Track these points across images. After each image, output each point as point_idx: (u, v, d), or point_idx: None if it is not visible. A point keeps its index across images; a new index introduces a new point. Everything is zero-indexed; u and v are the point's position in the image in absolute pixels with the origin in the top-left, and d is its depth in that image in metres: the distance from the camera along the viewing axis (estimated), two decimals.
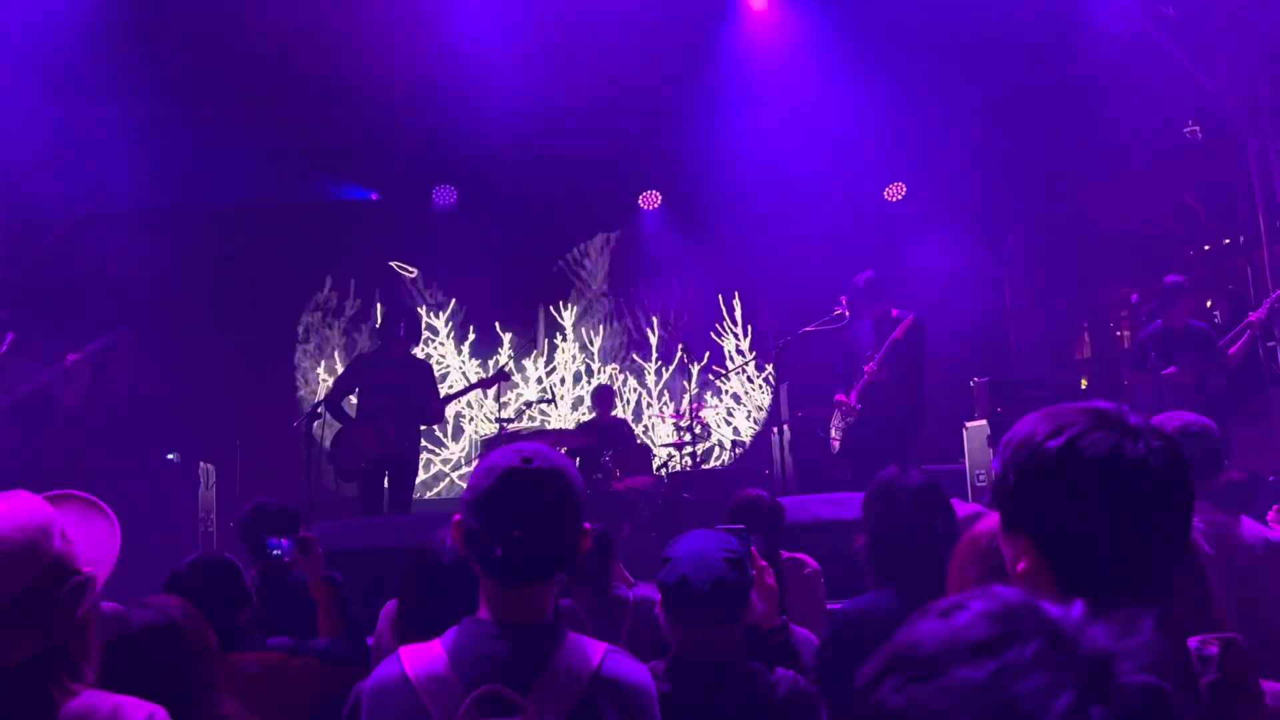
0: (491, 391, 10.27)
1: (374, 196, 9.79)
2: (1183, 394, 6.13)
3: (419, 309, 10.15)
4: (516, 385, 10.49)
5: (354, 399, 6.84)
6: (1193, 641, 1.19)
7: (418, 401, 6.63)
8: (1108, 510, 1.12)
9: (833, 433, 6.77)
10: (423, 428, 6.93)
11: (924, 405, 6.68)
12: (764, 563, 2.44)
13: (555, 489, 1.63)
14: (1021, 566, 1.18)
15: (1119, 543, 1.13)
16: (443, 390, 7.80)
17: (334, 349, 10.09)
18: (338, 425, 6.72)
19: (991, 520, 1.54)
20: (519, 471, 1.62)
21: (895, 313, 6.58)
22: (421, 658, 1.60)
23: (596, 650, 1.65)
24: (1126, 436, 1.14)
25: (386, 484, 6.68)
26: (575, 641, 1.65)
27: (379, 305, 10.08)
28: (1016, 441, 1.21)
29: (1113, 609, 1.12)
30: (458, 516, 1.67)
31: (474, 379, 10.41)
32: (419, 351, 9.87)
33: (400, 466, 6.68)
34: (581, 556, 1.76)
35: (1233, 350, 6.29)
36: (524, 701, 1.52)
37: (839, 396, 6.71)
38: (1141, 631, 0.65)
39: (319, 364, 10.07)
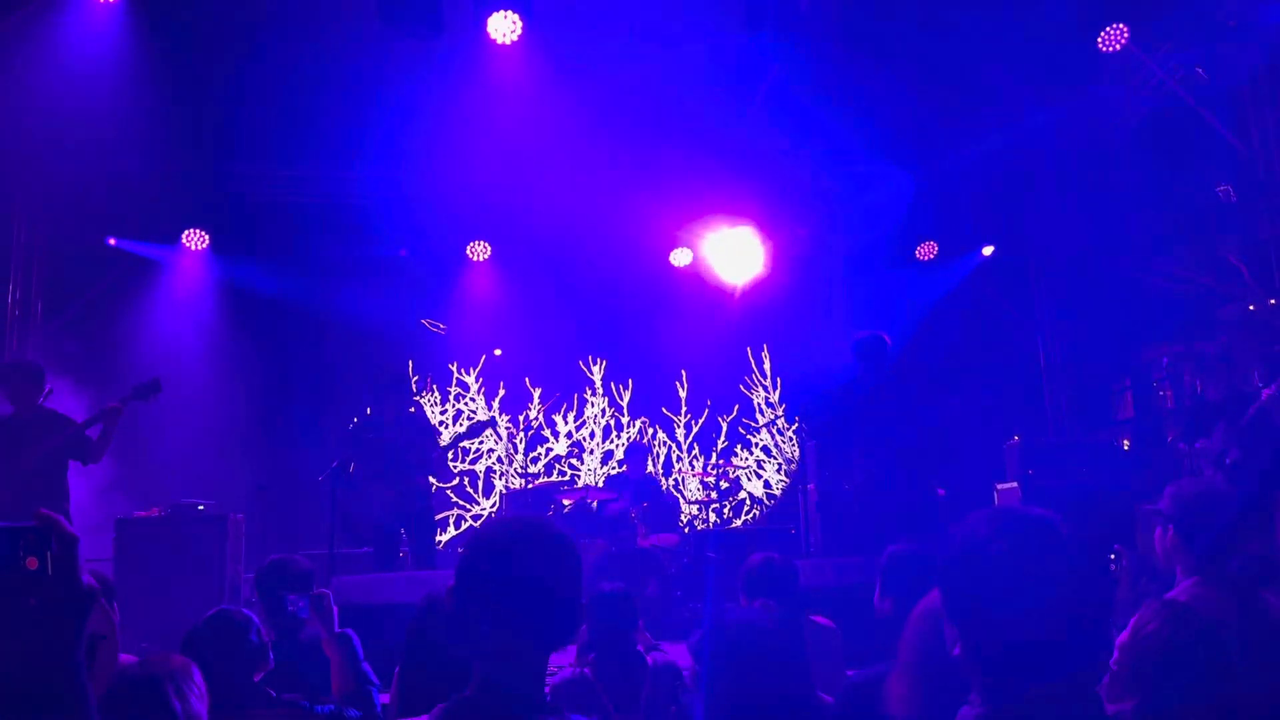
0: (521, 446, 10.32)
1: (402, 252, 9.92)
2: (1211, 466, 6.04)
3: (450, 364, 10.23)
4: (547, 440, 10.51)
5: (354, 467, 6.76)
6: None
7: (416, 455, 6.53)
8: (988, 608, 1.26)
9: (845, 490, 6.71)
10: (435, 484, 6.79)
11: None
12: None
13: (558, 554, 1.60)
14: (955, 652, 1.34)
15: (1009, 637, 1.25)
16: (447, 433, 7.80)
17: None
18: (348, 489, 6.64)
19: (934, 596, 1.66)
20: (520, 537, 1.60)
21: (889, 376, 6.61)
22: None
23: None
24: (1001, 539, 1.27)
25: (406, 540, 6.66)
26: None
27: (410, 362, 10.19)
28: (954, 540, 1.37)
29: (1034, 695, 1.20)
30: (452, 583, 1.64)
31: (504, 433, 10.49)
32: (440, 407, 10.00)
33: (414, 523, 6.61)
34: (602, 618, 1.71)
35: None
36: None
37: (854, 454, 6.71)
38: None
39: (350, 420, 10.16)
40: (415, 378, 10.05)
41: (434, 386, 10.11)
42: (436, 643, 2.36)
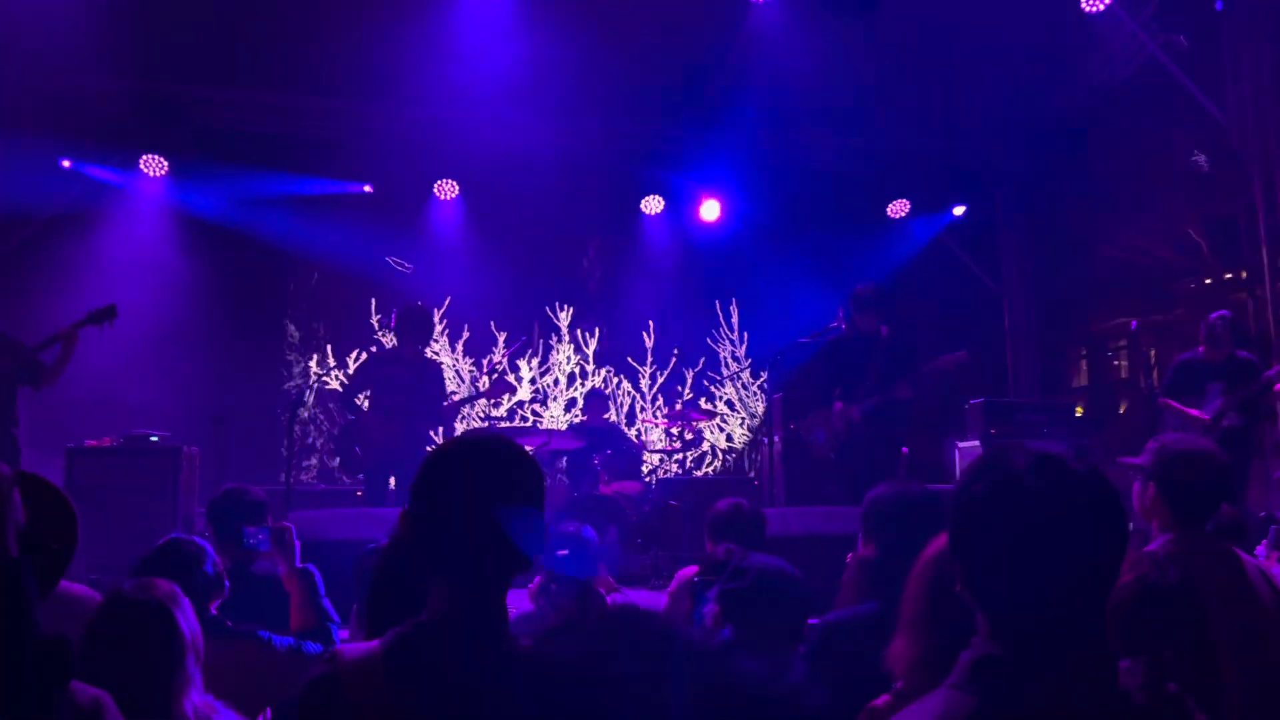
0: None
1: (367, 188, 9.68)
2: (1198, 427, 6.15)
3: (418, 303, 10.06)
4: (515, 389, 10.43)
5: (365, 397, 6.74)
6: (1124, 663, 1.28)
7: (427, 403, 6.53)
8: (987, 549, 1.22)
9: (822, 440, 6.58)
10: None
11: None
12: None
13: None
14: (957, 588, 1.30)
15: (1001, 581, 1.20)
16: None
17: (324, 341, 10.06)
18: (350, 418, 6.64)
19: (941, 541, 1.64)
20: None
21: (885, 331, 6.41)
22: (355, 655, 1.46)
23: None
24: (1008, 483, 1.21)
25: (394, 484, 6.59)
26: None
27: (373, 300, 10.01)
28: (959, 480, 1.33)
29: (1029, 643, 1.16)
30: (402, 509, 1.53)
31: (467, 378, 10.38)
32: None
33: (406, 468, 6.57)
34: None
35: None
36: None
37: (838, 405, 6.49)
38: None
39: (311, 356, 10.00)
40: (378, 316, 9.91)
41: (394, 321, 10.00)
42: (404, 576, 2.29)
